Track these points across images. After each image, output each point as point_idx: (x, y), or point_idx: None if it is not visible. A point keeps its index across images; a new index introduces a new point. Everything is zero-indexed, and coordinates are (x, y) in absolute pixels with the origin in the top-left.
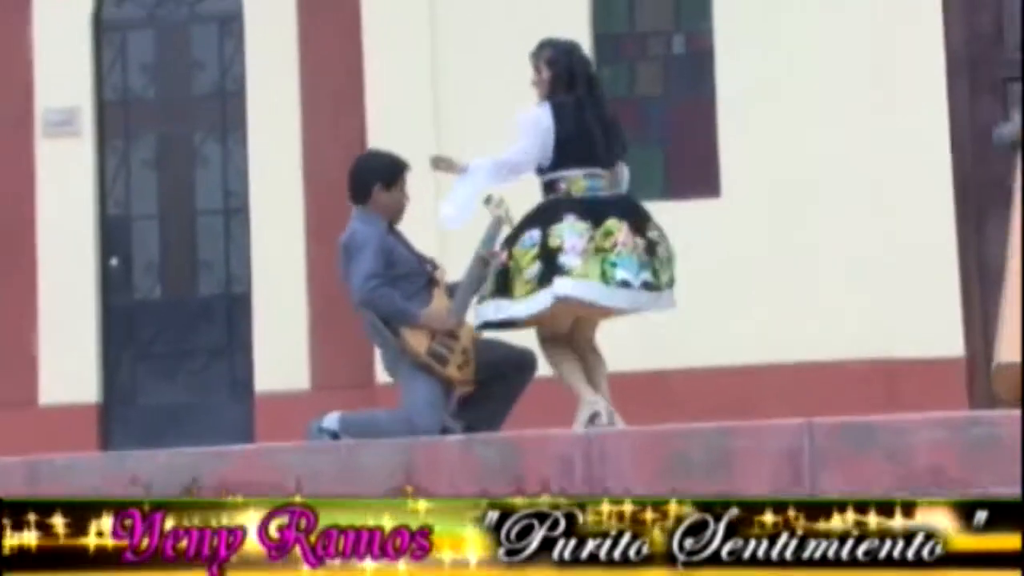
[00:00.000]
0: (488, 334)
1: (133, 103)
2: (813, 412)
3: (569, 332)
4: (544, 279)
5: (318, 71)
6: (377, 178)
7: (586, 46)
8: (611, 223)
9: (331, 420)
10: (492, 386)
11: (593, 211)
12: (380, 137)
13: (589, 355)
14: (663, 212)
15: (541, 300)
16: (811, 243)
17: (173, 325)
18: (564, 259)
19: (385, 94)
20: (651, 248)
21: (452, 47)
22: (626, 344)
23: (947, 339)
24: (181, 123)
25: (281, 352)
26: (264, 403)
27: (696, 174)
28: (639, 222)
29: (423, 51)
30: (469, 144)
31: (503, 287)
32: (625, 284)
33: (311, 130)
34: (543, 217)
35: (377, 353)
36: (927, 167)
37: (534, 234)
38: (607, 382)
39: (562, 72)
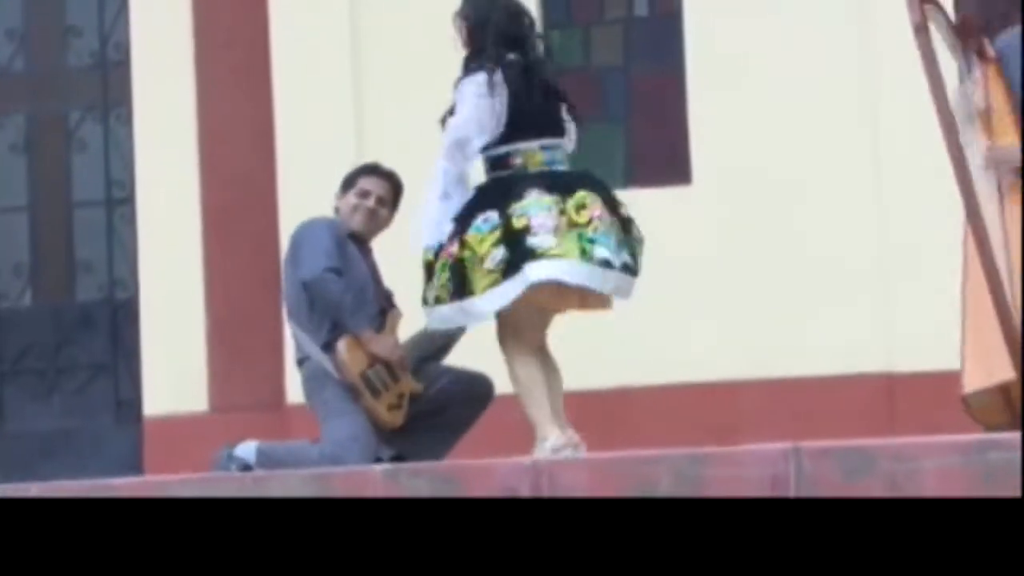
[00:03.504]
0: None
1: None
2: (800, 435)
3: (534, 335)
4: (511, 266)
5: (216, 38)
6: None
7: (533, 6)
8: (582, 195)
9: (246, 449)
10: (435, 417)
11: (558, 184)
12: (291, 115)
13: (545, 365)
14: (623, 202)
15: (509, 290)
16: (797, 240)
17: (46, 337)
18: (533, 240)
19: (296, 64)
20: (626, 226)
21: (372, 11)
22: (579, 357)
23: (957, 349)
24: (54, 100)
25: (174, 368)
26: (154, 428)
27: (662, 157)
28: (610, 198)
29: (340, 14)
30: (393, 116)
31: (460, 284)
32: (606, 264)
33: (208, 108)
34: (498, 196)
35: (287, 369)
36: (930, 153)
37: (491, 215)
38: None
39: (478, 24)
